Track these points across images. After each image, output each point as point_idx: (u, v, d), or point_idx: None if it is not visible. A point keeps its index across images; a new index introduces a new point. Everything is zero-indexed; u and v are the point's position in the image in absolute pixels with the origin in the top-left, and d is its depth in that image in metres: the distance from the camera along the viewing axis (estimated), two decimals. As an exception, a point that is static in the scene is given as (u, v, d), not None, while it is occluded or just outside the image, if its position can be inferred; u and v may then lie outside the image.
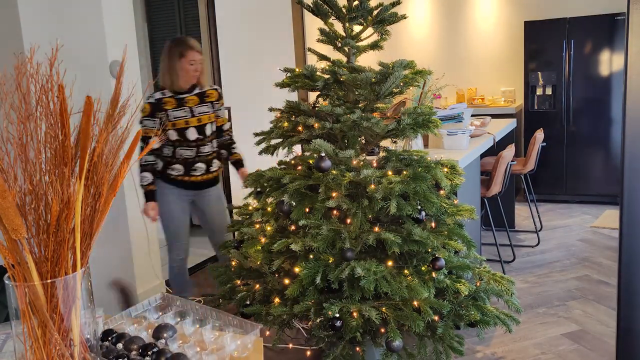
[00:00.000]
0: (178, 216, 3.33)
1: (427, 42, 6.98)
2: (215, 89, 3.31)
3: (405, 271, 2.44)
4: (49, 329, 1.06)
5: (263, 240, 2.64)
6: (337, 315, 2.30)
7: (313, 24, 6.79)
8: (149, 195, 3.17)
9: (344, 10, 2.71)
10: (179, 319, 1.66)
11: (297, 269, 2.41)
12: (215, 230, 3.48)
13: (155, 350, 1.43)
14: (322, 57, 2.73)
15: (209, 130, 3.24)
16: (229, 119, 4.74)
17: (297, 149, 2.95)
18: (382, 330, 2.35)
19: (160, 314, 1.75)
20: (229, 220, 3.47)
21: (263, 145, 2.81)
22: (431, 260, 2.47)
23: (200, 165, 3.25)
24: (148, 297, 2.91)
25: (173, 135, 3.16)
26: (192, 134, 3.17)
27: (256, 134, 2.86)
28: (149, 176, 3.16)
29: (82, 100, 1.11)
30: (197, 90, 3.22)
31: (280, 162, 2.81)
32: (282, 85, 2.74)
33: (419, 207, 2.51)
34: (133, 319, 1.68)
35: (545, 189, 6.10)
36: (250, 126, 5.02)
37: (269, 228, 2.68)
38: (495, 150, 4.50)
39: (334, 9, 2.72)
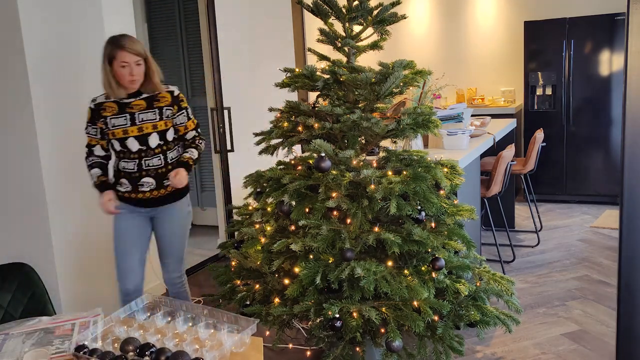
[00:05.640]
0: (125, 231, 2.88)
1: (427, 42, 6.97)
2: (170, 92, 2.85)
3: (405, 271, 2.44)
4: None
5: (263, 240, 2.64)
6: (337, 315, 2.30)
7: (313, 24, 6.79)
8: (102, 186, 2.80)
9: (344, 10, 2.71)
10: (169, 318, 1.66)
11: (297, 269, 2.42)
12: (167, 255, 3.01)
13: (154, 350, 1.43)
14: (322, 57, 2.73)
15: (153, 140, 2.78)
16: (225, 120, 4.74)
17: (297, 149, 2.95)
18: (382, 330, 2.35)
19: (149, 314, 1.74)
20: (186, 245, 3.04)
21: (263, 145, 2.81)
22: (431, 261, 2.47)
23: (148, 181, 2.81)
24: (148, 297, 2.90)
25: (116, 145, 2.79)
26: (133, 145, 2.77)
27: (256, 134, 2.86)
28: (97, 171, 2.82)
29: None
30: (145, 95, 2.80)
31: (280, 162, 2.81)
32: (282, 85, 2.74)
33: (419, 207, 2.51)
34: (122, 321, 1.67)
35: (545, 189, 6.10)
36: (250, 126, 5.02)
37: (269, 228, 2.68)
38: (495, 150, 4.50)
39: (334, 9, 2.72)
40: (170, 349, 1.44)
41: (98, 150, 2.86)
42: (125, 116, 2.75)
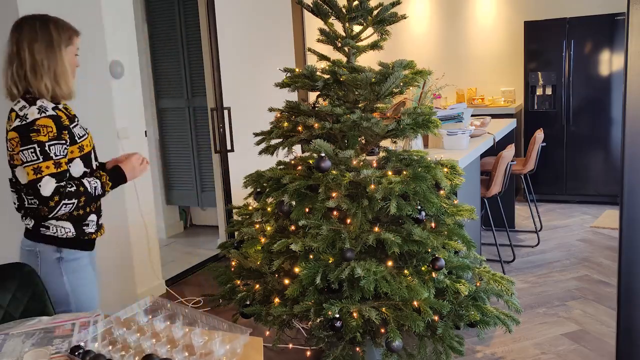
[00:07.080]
0: (95, 295, 2.26)
1: (427, 42, 6.97)
2: None
3: (405, 271, 2.44)
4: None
5: (263, 240, 2.64)
6: (337, 315, 2.30)
7: (313, 24, 6.78)
8: (116, 172, 2.15)
9: (344, 10, 2.71)
10: (168, 322, 1.66)
11: (297, 269, 2.41)
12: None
13: (143, 355, 1.43)
14: (322, 57, 2.73)
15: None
16: (225, 120, 4.74)
17: (297, 149, 2.94)
18: (382, 330, 2.35)
19: (150, 317, 1.75)
20: None
21: (263, 145, 2.80)
22: (431, 261, 2.47)
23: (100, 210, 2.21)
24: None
25: (78, 166, 2.07)
26: (93, 163, 2.16)
27: (256, 134, 2.86)
28: (93, 181, 2.07)
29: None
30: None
31: (280, 162, 2.81)
32: (282, 85, 2.74)
33: (419, 207, 2.51)
34: (123, 322, 1.67)
35: (545, 189, 6.10)
36: (250, 126, 5.02)
37: (269, 228, 2.68)
38: (495, 150, 4.49)
39: (334, 9, 2.72)
40: (158, 356, 1.44)
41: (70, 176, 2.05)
42: (78, 124, 2.11)
